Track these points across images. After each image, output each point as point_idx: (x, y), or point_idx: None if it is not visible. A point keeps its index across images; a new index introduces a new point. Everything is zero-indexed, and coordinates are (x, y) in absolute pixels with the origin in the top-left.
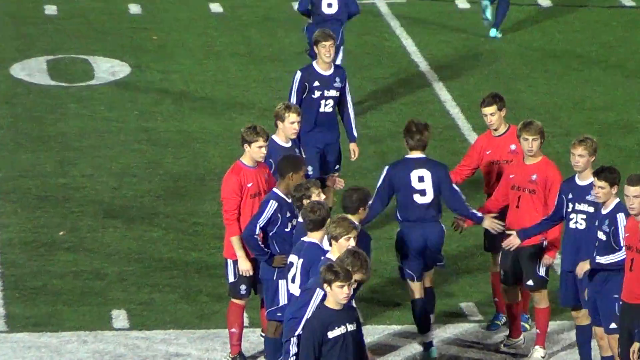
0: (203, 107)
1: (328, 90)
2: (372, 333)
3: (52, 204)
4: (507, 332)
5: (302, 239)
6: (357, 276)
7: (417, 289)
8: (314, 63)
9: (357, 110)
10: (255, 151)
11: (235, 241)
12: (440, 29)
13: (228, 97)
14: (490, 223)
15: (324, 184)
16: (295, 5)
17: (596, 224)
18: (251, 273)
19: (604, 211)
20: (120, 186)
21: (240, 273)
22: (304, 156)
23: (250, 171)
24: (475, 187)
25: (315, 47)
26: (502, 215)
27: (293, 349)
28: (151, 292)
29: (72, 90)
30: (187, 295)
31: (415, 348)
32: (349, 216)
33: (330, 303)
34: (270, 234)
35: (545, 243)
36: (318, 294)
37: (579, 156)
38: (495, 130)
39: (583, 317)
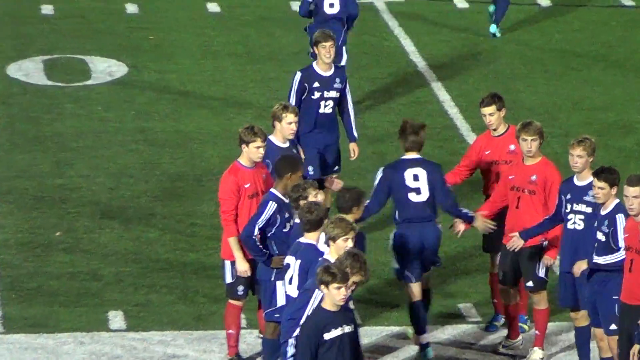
0: (200, 107)
1: (328, 91)
2: (370, 334)
3: (48, 205)
4: (505, 333)
5: (298, 240)
6: (355, 278)
7: (415, 291)
8: (314, 64)
9: (355, 110)
10: (253, 151)
11: (232, 242)
12: (438, 29)
13: (226, 97)
14: (481, 223)
15: (322, 185)
16: (293, 5)
17: (595, 224)
18: (249, 274)
19: (603, 212)
20: (117, 187)
21: (238, 274)
22: (302, 157)
23: (248, 172)
24: (474, 187)
25: (315, 48)
26: (501, 215)
27: (291, 350)
28: (148, 293)
29: (69, 90)
30: (185, 296)
31: (413, 349)
32: (345, 216)
33: (327, 304)
34: (269, 235)
35: (545, 243)
36: (317, 295)
37: (578, 157)
38: (495, 130)
39: (582, 318)
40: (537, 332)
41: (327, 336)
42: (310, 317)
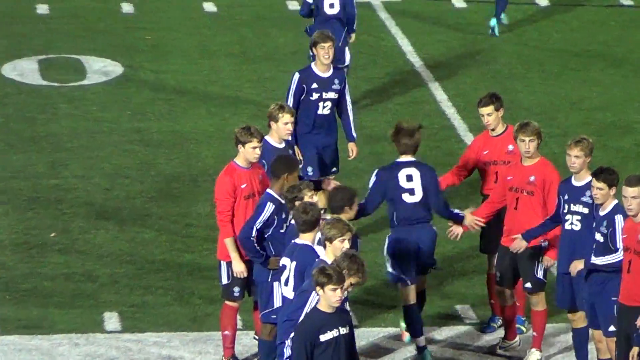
0: (196, 107)
1: (326, 92)
2: (367, 336)
3: (43, 205)
4: (502, 335)
5: (294, 241)
6: (353, 280)
7: (410, 294)
8: (313, 64)
9: (354, 110)
10: (249, 152)
11: (229, 243)
12: (436, 28)
13: (222, 97)
14: (470, 221)
15: (319, 186)
16: (290, 5)
17: (594, 225)
18: (245, 275)
19: (602, 212)
20: (112, 187)
21: (235, 275)
22: (299, 158)
23: (244, 172)
24: (472, 187)
25: (313, 49)
26: (499, 216)
27: (287, 352)
28: (143, 294)
29: (64, 90)
30: (180, 298)
31: (410, 351)
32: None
33: (322, 306)
34: (266, 236)
35: (544, 244)
36: (314, 296)
37: (575, 157)
38: (493, 130)
39: (579, 319)
40: (535, 333)
41: (322, 338)
42: (306, 319)
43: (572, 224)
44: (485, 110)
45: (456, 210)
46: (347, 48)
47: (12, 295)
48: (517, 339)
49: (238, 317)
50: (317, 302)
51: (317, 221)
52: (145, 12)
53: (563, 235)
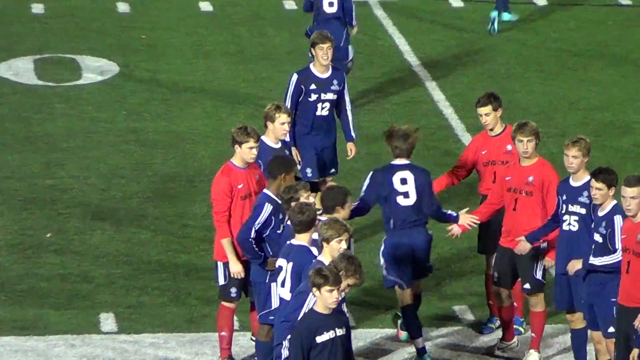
0: (192, 107)
1: (325, 93)
2: (364, 337)
3: (39, 206)
4: (500, 336)
5: (290, 241)
6: (350, 281)
7: (407, 297)
8: (311, 65)
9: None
10: (245, 152)
11: (226, 243)
12: (433, 28)
13: (218, 96)
14: (464, 219)
15: (316, 188)
16: (286, 4)
17: (592, 226)
18: (243, 275)
19: (601, 213)
20: (108, 187)
21: (232, 275)
22: (297, 159)
23: (241, 172)
24: (470, 188)
25: (312, 50)
26: (497, 216)
27: (285, 353)
28: (140, 295)
29: (59, 90)
30: (177, 298)
31: (408, 352)
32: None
33: (319, 307)
34: (264, 237)
35: (543, 245)
36: (311, 297)
37: (573, 157)
38: (491, 130)
39: (578, 320)
40: (533, 334)
41: (319, 339)
42: (302, 320)
43: (569, 224)
44: (483, 110)
45: (449, 212)
46: (349, 45)
47: (8, 296)
48: (514, 339)
49: (235, 318)
50: (314, 304)
51: (312, 221)
52: (141, 11)
53: (561, 235)
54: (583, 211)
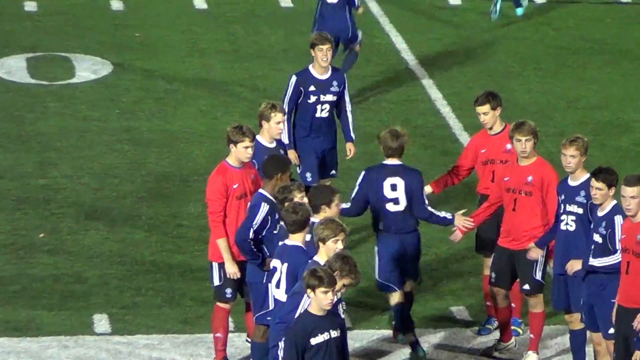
0: (187, 106)
1: (324, 94)
2: (361, 338)
3: (32, 206)
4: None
5: (284, 242)
6: (345, 281)
7: (397, 297)
8: (310, 66)
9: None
10: (241, 151)
11: (221, 244)
12: (430, 26)
13: (213, 95)
14: (458, 221)
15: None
16: (282, 2)
17: (592, 226)
18: (238, 276)
19: (600, 213)
20: (102, 187)
21: (228, 276)
22: (297, 163)
23: (236, 172)
24: (469, 187)
25: (312, 51)
26: (496, 216)
27: (281, 355)
28: (134, 295)
29: (53, 88)
30: (171, 299)
31: (405, 353)
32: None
33: (313, 309)
34: (260, 237)
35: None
36: (306, 298)
37: (571, 157)
38: (490, 129)
39: (576, 321)
40: (532, 335)
41: (313, 341)
42: (297, 322)
43: (567, 224)
44: (481, 109)
45: (443, 214)
46: (358, 30)
47: (0, 297)
48: (512, 340)
49: (230, 319)
50: (308, 305)
51: (306, 221)
52: (134, 9)
53: (558, 235)
54: (580, 211)
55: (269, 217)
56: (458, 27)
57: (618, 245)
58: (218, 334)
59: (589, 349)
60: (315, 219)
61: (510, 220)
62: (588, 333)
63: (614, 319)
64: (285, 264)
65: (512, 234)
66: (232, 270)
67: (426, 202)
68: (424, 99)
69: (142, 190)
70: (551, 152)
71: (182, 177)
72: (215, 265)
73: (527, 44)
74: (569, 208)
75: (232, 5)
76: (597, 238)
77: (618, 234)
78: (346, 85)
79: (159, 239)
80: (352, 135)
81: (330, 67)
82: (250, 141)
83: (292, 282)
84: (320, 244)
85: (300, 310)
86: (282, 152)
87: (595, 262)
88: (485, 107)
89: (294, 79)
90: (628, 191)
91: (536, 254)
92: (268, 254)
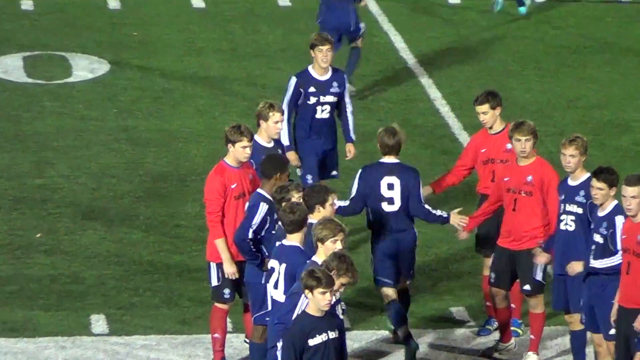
0: (185, 105)
1: (324, 95)
2: (360, 339)
3: (28, 206)
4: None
5: (281, 242)
6: (343, 280)
7: (390, 294)
8: (310, 67)
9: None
10: (239, 151)
11: (220, 244)
12: (430, 25)
13: (210, 94)
14: (454, 219)
15: None
16: (279, 1)
17: (592, 226)
18: (237, 276)
19: (601, 213)
20: (99, 187)
21: (226, 276)
22: (298, 164)
23: (234, 172)
24: (469, 187)
25: (311, 51)
26: (496, 216)
27: (279, 356)
28: (131, 296)
29: (49, 87)
30: (169, 300)
31: (403, 354)
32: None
33: (311, 310)
34: (259, 237)
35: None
36: (304, 299)
37: (570, 156)
38: (490, 128)
39: (577, 321)
40: (532, 336)
41: (311, 342)
42: (295, 323)
43: (566, 224)
44: (481, 109)
45: (439, 213)
46: (361, 23)
47: None
48: (512, 341)
49: (228, 319)
50: (306, 306)
51: (304, 221)
52: (131, 8)
53: (557, 236)
54: (580, 211)
55: (268, 217)
56: (457, 26)
57: (619, 246)
58: (216, 335)
59: (589, 350)
60: (310, 219)
61: (510, 220)
62: (589, 334)
63: (612, 319)
64: (284, 265)
65: (513, 234)
66: (231, 270)
67: (423, 200)
68: (423, 98)
69: (140, 190)
70: (551, 152)
71: (180, 177)
72: (213, 265)
73: (527, 42)
74: (569, 208)
75: (230, 4)
76: (597, 238)
77: (619, 234)
78: (347, 85)
79: (157, 239)
80: (353, 136)
81: (330, 67)
82: (249, 141)
83: (290, 282)
84: (319, 244)
85: (297, 311)
86: (280, 151)
87: (596, 263)
88: (485, 107)
89: (293, 80)
90: (629, 191)
91: (545, 258)
92: (267, 254)
